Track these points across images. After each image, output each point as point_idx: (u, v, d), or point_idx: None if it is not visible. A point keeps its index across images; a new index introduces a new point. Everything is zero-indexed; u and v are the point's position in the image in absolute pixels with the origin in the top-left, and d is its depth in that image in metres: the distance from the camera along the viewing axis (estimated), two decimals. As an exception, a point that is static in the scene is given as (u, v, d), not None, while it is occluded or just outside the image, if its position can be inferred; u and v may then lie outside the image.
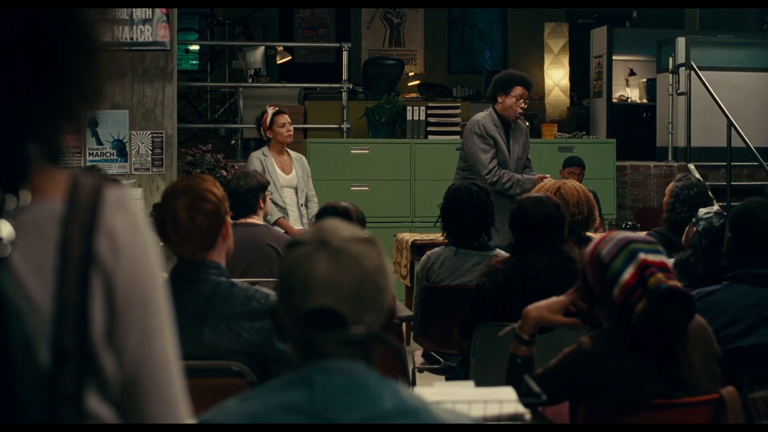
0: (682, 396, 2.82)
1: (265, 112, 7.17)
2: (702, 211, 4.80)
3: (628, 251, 2.82)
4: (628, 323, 2.80)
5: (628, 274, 2.80)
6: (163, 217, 2.95)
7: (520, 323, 3.09)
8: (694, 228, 4.78)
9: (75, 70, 1.20)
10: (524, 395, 2.70)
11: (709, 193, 5.94)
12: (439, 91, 13.14)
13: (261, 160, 7.06)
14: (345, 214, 4.27)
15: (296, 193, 7.12)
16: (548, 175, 6.26)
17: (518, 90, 6.38)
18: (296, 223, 7.00)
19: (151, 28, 7.62)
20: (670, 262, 2.90)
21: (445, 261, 4.80)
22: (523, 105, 6.40)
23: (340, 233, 1.63)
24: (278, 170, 7.06)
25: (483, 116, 6.48)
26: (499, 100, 6.42)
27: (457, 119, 9.03)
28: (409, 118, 9.05)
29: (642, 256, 2.81)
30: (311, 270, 1.60)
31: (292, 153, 7.26)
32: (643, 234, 3.43)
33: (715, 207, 4.82)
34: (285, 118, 7.10)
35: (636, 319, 2.77)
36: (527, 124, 6.73)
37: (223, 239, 3.01)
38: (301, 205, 7.12)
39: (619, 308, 2.82)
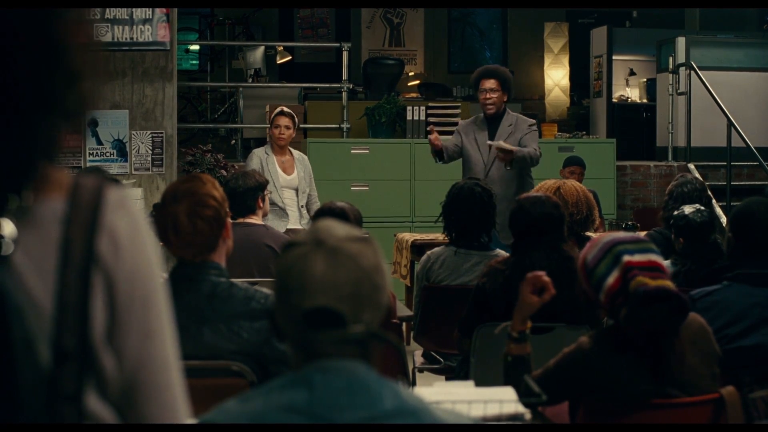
0: (680, 396, 2.82)
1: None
2: (677, 215, 4.80)
3: (612, 255, 2.82)
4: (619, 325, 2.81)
5: (612, 278, 2.80)
6: (163, 221, 2.95)
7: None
8: (680, 239, 4.78)
9: (53, 84, 1.19)
10: (524, 395, 2.70)
11: (708, 191, 5.94)
12: (439, 91, 13.14)
13: (262, 158, 7.05)
14: (342, 215, 4.27)
15: (297, 193, 7.11)
16: None
17: (482, 84, 6.57)
18: (296, 223, 6.99)
19: (151, 28, 7.62)
20: (666, 263, 2.89)
21: (445, 261, 4.80)
22: (487, 96, 6.53)
23: (335, 233, 1.63)
24: (279, 170, 7.05)
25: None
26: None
27: (457, 119, 9.01)
28: (409, 118, 9.05)
29: (626, 258, 2.80)
30: (308, 270, 1.59)
31: (295, 153, 7.24)
32: (642, 234, 3.43)
33: (688, 208, 4.82)
34: (283, 121, 7.08)
35: (622, 322, 2.77)
36: (532, 121, 6.74)
37: (223, 241, 3.02)
38: (302, 206, 7.11)
39: (608, 312, 2.84)
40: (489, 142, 6.40)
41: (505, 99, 6.60)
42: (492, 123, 6.57)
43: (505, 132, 6.50)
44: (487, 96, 6.52)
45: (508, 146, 6.27)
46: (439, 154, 6.55)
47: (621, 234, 2.97)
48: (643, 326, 2.77)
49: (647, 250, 2.84)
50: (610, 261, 2.81)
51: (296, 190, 7.11)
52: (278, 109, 7.17)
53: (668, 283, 2.78)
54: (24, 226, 1.18)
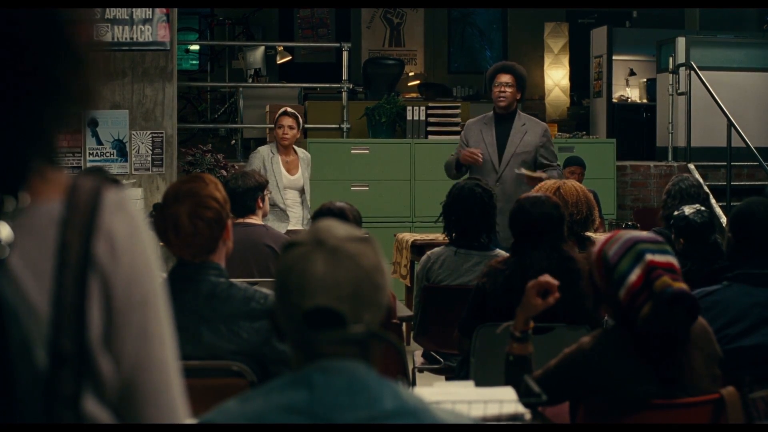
0: (682, 397, 2.82)
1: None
2: (677, 216, 4.80)
3: (635, 252, 2.81)
4: (631, 324, 2.80)
5: (634, 275, 2.79)
6: (164, 220, 2.94)
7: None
8: (681, 239, 4.78)
9: (58, 71, 1.19)
10: (524, 395, 2.70)
11: (705, 188, 5.94)
12: (439, 91, 13.14)
13: (266, 157, 7.03)
14: (341, 215, 4.26)
15: (300, 194, 7.10)
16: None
17: (498, 79, 6.49)
18: (297, 224, 6.98)
19: (151, 28, 7.61)
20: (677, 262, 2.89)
21: (445, 261, 4.80)
22: (502, 90, 6.46)
23: (335, 233, 1.63)
24: (283, 170, 7.04)
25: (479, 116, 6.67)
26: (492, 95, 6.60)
27: (457, 119, 9.02)
28: (409, 118, 9.05)
29: (649, 257, 2.80)
30: (308, 270, 1.59)
31: (300, 152, 7.22)
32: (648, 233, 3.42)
33: (688, 209, 4.82)
34: (286, 121, 7.08)
35: (641, 321, 2.76)
36: (545, 126, 6.68)
37: (223, 242, 3.01)
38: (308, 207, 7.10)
39: (624, 309, 2.82)
40: (516, 171, 6.29)
41: (518, 97, 6.54)
42: (502, 122, 6.47)
43: (519, 132, 6.43)
44: (502, 89, 6.45)
45: (536, 174, 6.18)
46: (460, 166, 6.46)
47: (639, 232, 2.97)
48: (660, 327, 2.76)
49: (666, 251, 2.84)
50: (632, 258, 2.80)
51: (300, 190, 7.10)
52: (282, 110, 7.17)
53: (686, 286, 2.78)
54: (20, 228, 1.17)
